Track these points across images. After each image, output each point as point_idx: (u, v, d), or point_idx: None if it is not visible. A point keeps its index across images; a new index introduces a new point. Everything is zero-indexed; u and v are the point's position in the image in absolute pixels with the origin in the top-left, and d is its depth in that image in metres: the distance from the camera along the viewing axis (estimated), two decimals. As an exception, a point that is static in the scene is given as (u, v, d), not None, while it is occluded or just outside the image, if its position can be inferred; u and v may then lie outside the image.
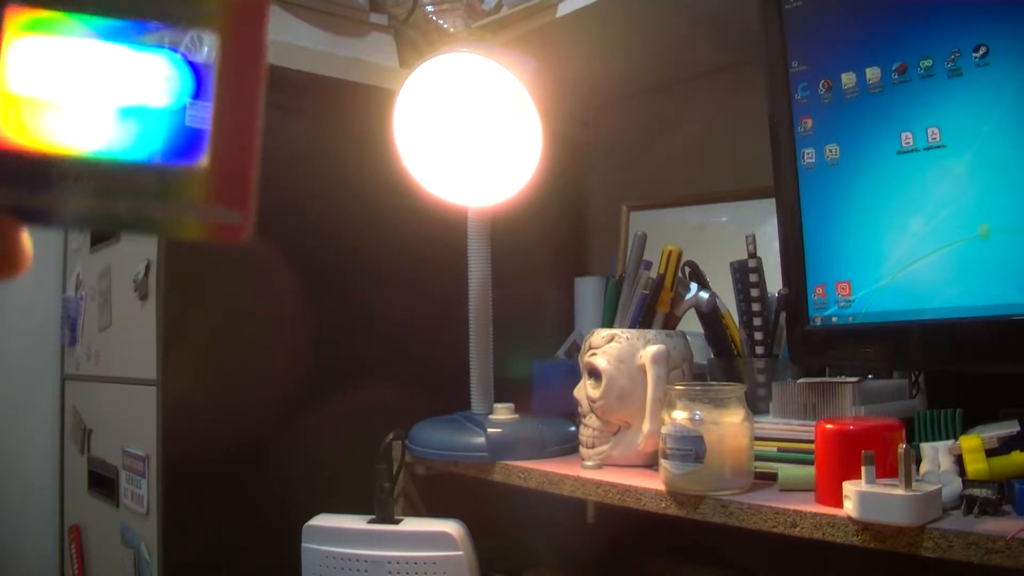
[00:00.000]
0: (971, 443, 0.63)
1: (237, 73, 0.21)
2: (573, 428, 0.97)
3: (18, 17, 0.19)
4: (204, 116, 0.22)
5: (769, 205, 0.88)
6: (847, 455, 0.63)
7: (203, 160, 0.21)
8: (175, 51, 0.22)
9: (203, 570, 1.03)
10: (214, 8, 0.21)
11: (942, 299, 0.71)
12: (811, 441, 0.70)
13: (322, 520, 0.93)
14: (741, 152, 1.15)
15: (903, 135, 0.73)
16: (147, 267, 1.07)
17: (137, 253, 1.11)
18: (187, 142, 0.21)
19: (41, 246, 1.58)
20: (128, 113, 0.21)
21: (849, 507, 0.60)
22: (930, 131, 0.71)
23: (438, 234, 1.11)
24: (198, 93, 0.22)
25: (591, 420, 0.89)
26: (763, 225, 1.05)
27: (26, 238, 0.17)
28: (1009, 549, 0.53)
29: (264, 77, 0.22)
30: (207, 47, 0.21)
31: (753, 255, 0.92)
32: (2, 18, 0.19)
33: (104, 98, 0.21)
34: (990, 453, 0.63)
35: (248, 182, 0.21)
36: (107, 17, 0.20)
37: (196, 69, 0.22)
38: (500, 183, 0.97)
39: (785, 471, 0.72)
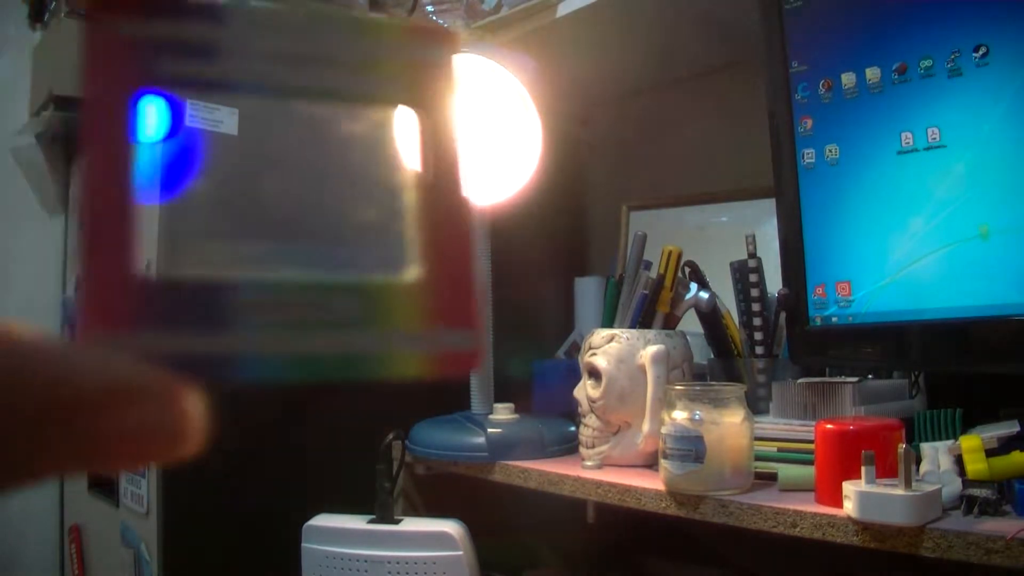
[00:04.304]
0: (971, 443, 0.63)
1: (439, 162, 0.17)
2: (573, 428, 0.97)
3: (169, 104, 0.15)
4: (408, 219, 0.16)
5: (769, 205, 0.88)
6: (847, 455, 0.63)
7: (416, 272, 0.16)
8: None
9: (203, 570, 1.03)
10: (404, 89, 0.16)
11: (942, 299, 0.71)
12: (811, 441, 0.70)
13: (322, 520, 0.93)
14: (741, 152, 1.14)
15: (903, 135, 0.73)
16: (147, 268, 1.07)
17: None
18: (392, 249, 0.16)
19: (41, 246, 1.58)
20: (319, 219, 0.17)
21: (849, 507, 0.60)
22: (930, 131, 0.71)
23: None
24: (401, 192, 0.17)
25: (591, 420, 0.89)
26: (763, 225, 1.05)
27: (198, 403, 0.13)
28: (1009, 549, 0.53)
29: (461, 164, 0.17)
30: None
31: (753, 255, 0.92)
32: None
33: (295, 194, 0.17)
34: (990, 453, 0.63)
35: (472, 292, 0.16)
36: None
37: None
38: (500, 183, 0.97)
39: (785, 471, 0.72)
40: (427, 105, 0.16)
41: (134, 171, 0.14)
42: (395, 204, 0.16)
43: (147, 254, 0.14)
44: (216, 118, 1.12)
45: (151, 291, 0.14)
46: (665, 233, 1.18)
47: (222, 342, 0.14)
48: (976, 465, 0.62)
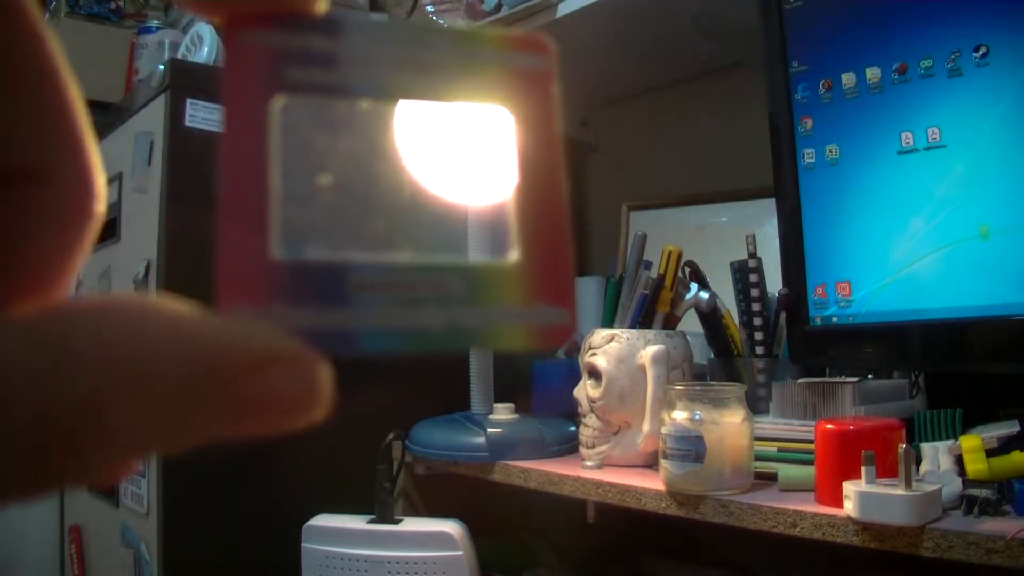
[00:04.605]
0: (971, 443, 0.63)
1: (537, 155, 0.19)
2: (573, 428, 0.97)
3: (295, 106, 0.17)
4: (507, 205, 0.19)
5: (769, 205, 0.88)
6: (847, 455, 0.63)
7: (516, 254, 0.18)
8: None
9: (203, 570, 1.03)
10: (504, 85, 0.19)
11: (942, 299, 0.71)
12: (811, 441, 0.70)
13: (322, 520, 0.93)
14: (741, 152, 1.15)
15: (903, 135, 0.73)
16: (147, 267, 1.07)
17: (137, 253, 1.11)
18: (494, 234, 0.18)
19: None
20: (429, 206, 0.19)
21: (849, 507, 0.60)
22: (930, 131, 0.71)
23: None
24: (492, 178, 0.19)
25: (591, 420, 0.89)
26: (763, 225, 1.05)
27: (325, 372, 0.14)
28: (1009, 549, 0.53)
29: (562, 158, 0.19)
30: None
31: (753, 255, 0.92)
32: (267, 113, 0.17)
33: (403, 187, 0.19)
34: (990, 453, 0.63)
35: (567, 273, 0.18)
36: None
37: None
38: (500, 183, 0.97)
39: (785, 471, 0.72)
40: (523, 106, 0.19)
41: (266, 165, 0.16)
42: (501, 195, 0.19)
43: (277, 237, 0.16)
44: (216, 118, 1.12)
45: (280, 272, 0.16)
46: (665, 233, 1.18)
47: (343, 318, 0.16)
48: (976, 465, 0.62)
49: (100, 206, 0.16)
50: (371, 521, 0.93)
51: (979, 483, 0.61)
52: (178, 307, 0.13)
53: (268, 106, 0.16)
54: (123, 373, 0.12)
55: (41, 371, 0.12)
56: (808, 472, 0.69)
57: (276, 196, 0.16)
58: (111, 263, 1.22)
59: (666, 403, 0.75)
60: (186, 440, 0.13)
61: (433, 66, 0.18)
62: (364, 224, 0.18)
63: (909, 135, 0.72)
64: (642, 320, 0.91)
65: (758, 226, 1.00)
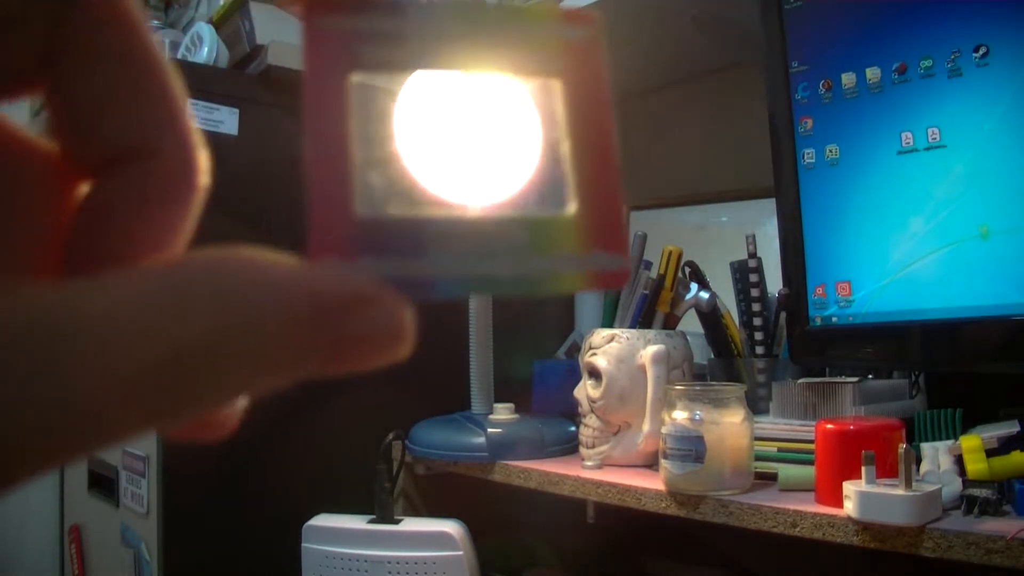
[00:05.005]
0: (971, 443, 0.63)
1: (589, 118, 0.21)
2: (573, 428, 0.97)
3: (370, 79, 0.19)
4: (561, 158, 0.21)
5: (769, 205, 0.88)
6: (847, 455, 0.63)
7: (574, 207, 0.20)
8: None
9: (203, 570, 1.03)
10: (555, 56, 0.21)
11: (942, 299, 0.71)
12: (811, 441, 0.70)
13: (322, 520, 0.93)
14: (741, 152, 1.15)
15: (903, 135, 0.73)
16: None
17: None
18: (554, 189, 0.20)
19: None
20: (494, 165, 0.21)
21: (849, 507, 0.60)
22: (930, 131, 0.71)
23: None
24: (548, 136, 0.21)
25: (591, 420, 0.89)
26: (763, 225, 1.05)
27: (410, 313, 0.16)
28: (1009, 549, 0.53)
29: (613, 121, 0.21)
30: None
31: (753, 255, 0.92)
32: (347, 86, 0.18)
33: (468, 151, 0.21)
34: (990, 453, 0.63)
35: (619, 221, 0.20)
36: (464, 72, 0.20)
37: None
38: (500, 183, 0.97)
39: (785, 471, 0.72)
40: (577, 73, 0.21)
41: (347, 134, 0.18)
42: (558, 155, 0.21)
43: (360, 197, 0.18)
44: (216, 118, 1.12)
45: (364, 228, 0.18)
46: (665, 233, 1.18)
47: (422, 267, 0.18)
48: (976, 465, 0.62)
49: (204, 178, 0.18)
50: (371, 521, 0.92)
51: (979, 483, 0.61)
52: (279, 258, 0.15)
53: (346, 82, 0.18)
54: (235, 313, 0.14)
55: (160, 316, 0.13)
56: (808, 472, 0.69)
57: (358, 161, 0.18)
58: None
59: (666, 403, 0.75)
60: (289, 376, 0.15)
61: (491, 41, 0.20)
62: (439, 183, 0.20)
63: (909, 135, 0.72)
64: (642, 320, 0.91)
65: (758, 226, 1.00)
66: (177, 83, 0.17)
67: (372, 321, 0.15)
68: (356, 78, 0.18)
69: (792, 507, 0.65)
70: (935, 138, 0.71)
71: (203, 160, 0.18)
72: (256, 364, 0.14)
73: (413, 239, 0.18)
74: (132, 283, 0.14)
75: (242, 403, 0.17)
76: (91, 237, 0.17)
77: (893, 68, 0.73)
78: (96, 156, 0.17)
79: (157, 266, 0.14)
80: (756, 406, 0.85)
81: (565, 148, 0.20)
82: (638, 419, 0.85)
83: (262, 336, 0.14)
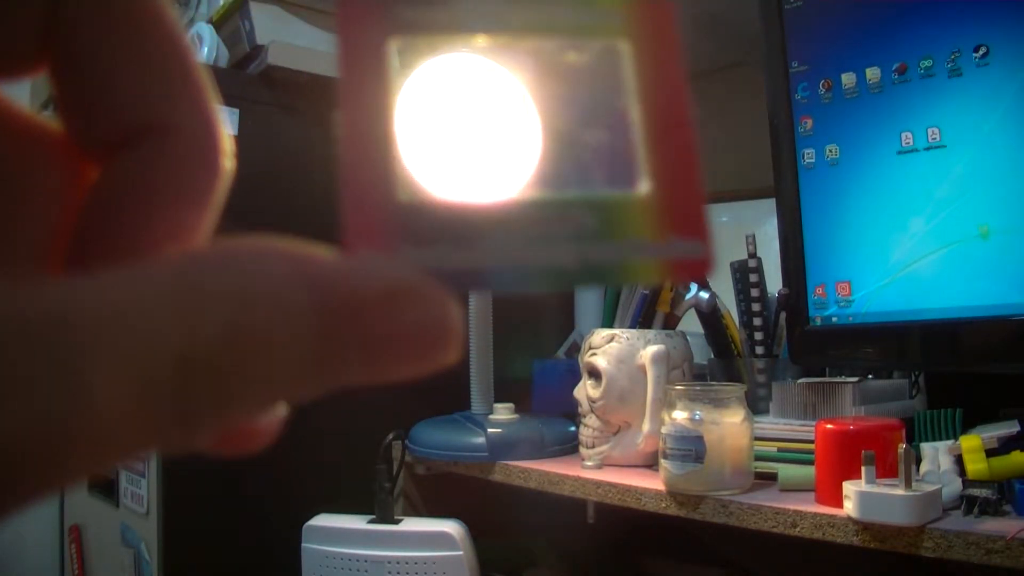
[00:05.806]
0: (971, 443, 0.63)
1: (662, 84, 0.18)
2: (573, 428, 0.97)
3: (410, 46, 0.17)
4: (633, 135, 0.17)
5: (769, 205, 0.88)
6: (847, 455, 0.63)
7: (647, 186, 0.17)
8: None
9: (203, 570, 1.03)
10: (621, 14, 0.18)
11: (942, 299, 0.71)
12: (811, 441, 0.70)
13: (322, 520, 0.93)
14: (741, 152, 1.14)
15: (903, 135, 0.73)
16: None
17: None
18: (623, 166, 0.17)
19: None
20: (555, 142, 0.18)
21: (849, 507, 0.60)
22: (930, 131, 0.71)
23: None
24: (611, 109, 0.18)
25: (591, 420, 0.89)
26: (763, 225, 1.05)
27: (456, 310, 0.14)
28: (1009, 549, 0.53)
29: (688, 88, 0.18)
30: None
31: (753, 255, 0.92)
32: (386, 51, 0.16)
33: (522, 124, 0.18)
34: (990, 453, 0.63)
35: (701, 204, 0.17)
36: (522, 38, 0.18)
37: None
38: (501, 183, 0.97)
39: (785, 471, 0.72)
40: (648, 37, 0.18)
41: (389, 109, 0.16)
42: (627, 127, 0.17)
43: (401, 179, 0.16)
44: (221, 119, 1.12)
45: (406, 213, 0.16)
46: (665, 233, 1.18)
47: (472, 257, 0.16)
48: (976, 465, 0.62)
49: (226, 160, 0.16)
50: (371, 521, 0.92)
51: (979, 483, 0.61)
52: (310, 248, 0.14)
53: (384, 48, 0.16)
54: (259, 310, 0.12)
55: (176, 313, 0.12)
56: (808, 472, 0.69)
57: (399, 137, 0.16)
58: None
59: (666, 403, 0.75)
60: (322, 381, 0.13)
61: (548, 1, 0.17)
62: (490, 162, 0.17)
63: (909, 135, 0.72)
64: (642, 320, 0.91)
65: (758, 226, 1.00)
66: (197, 58, 0.16)
67: (416, 319, 0.13)
68: (396, 43, 0.16)
69: (792, 507, 0.65)
70: (935, 138, 0.71)
71: (225, 139, 0.16)
72: (283, 368, 0.13)
73: (462, 225, 0.16)
74: (146, 277, 0.12)
75: (281, 412, 0.15)
76: (101, 227, 0.15)
77: (893, 68, 0.73)
78: (106, 135, 0.15)
79: (174, 258, 0.13)
80: (756, 406, 0.85)
81: (635, 119, 0.17)
82: (638, 419, 0.85)
83: (288, 336, 0.13)
